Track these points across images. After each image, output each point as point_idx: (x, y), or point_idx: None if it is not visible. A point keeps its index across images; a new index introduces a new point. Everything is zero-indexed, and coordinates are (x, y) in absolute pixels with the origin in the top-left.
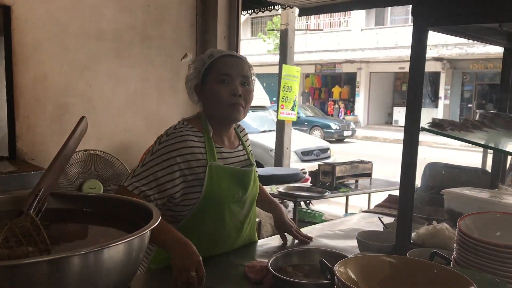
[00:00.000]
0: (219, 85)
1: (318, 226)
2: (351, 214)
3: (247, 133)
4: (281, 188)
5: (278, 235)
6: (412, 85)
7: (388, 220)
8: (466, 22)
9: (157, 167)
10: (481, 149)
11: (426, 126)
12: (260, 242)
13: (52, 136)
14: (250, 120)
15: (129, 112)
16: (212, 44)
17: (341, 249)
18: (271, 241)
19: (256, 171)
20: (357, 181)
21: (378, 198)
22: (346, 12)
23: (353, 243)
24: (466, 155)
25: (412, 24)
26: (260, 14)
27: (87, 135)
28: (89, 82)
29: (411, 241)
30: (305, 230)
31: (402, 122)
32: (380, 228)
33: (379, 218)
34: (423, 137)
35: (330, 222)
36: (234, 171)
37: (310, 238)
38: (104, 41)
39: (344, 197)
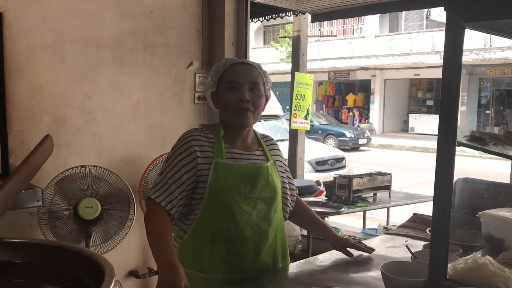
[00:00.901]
0: (228, 92)
1: (336, 252)
2: (370, 229)
3: (275, 144)
4: None
5: (295, 262)
6: (446, 92)
7: (415, 244)
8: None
9: (172, 171)
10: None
11: (464, 140)
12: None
13: None
14: (262, 130)
15: (131, 124)
16: (219, 51)
17: (363, 282)
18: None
19: (286, 178)
20: (375, 194)
21: (398, 211)
22: (360, 19)
23: (376, 273)
24: (486, 163)
25: (427, 29)
26: (272, 22)
27: (85, 149)
28: (88, 92)
29: (447, 276)
30: (323, 256)
31: (418, 129)
32: (406, 254)
33: (406, 246)
34: (435, 143)
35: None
36: (241, 167)
37: (373, 249)
38: (103, 48)
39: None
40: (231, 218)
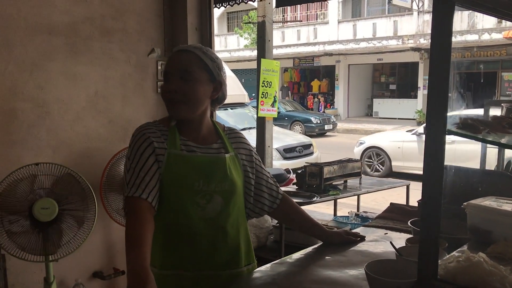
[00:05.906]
0: (163, 84)
1: (312, 250)
2: (342, 217)
3: (240, 137)
4: None
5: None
6: (435, 76)
7: (395, 236)
8: None
9: (140, 163)
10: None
11: (453, 128)
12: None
13: None
14: (228, 118)
15: (90, 116)
16: (182, 37)
17: (345, 282)
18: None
19: (255, 172)
20: (345, 181)
21: (368, 196)
22: (323, 5)
23: (358, 271)
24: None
25: (390, 14)
26: (236, 8)
27: (40, 145)
28: (41, 83)
29: (438, 276)
30: (299, 255)
31: (382, 113)
32: (387, 248)
33: (391, 243)
34: (399, 126)
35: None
36: (195, 158)
37: (363, 237)
38: (56, 36)
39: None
40: (182, 212)
